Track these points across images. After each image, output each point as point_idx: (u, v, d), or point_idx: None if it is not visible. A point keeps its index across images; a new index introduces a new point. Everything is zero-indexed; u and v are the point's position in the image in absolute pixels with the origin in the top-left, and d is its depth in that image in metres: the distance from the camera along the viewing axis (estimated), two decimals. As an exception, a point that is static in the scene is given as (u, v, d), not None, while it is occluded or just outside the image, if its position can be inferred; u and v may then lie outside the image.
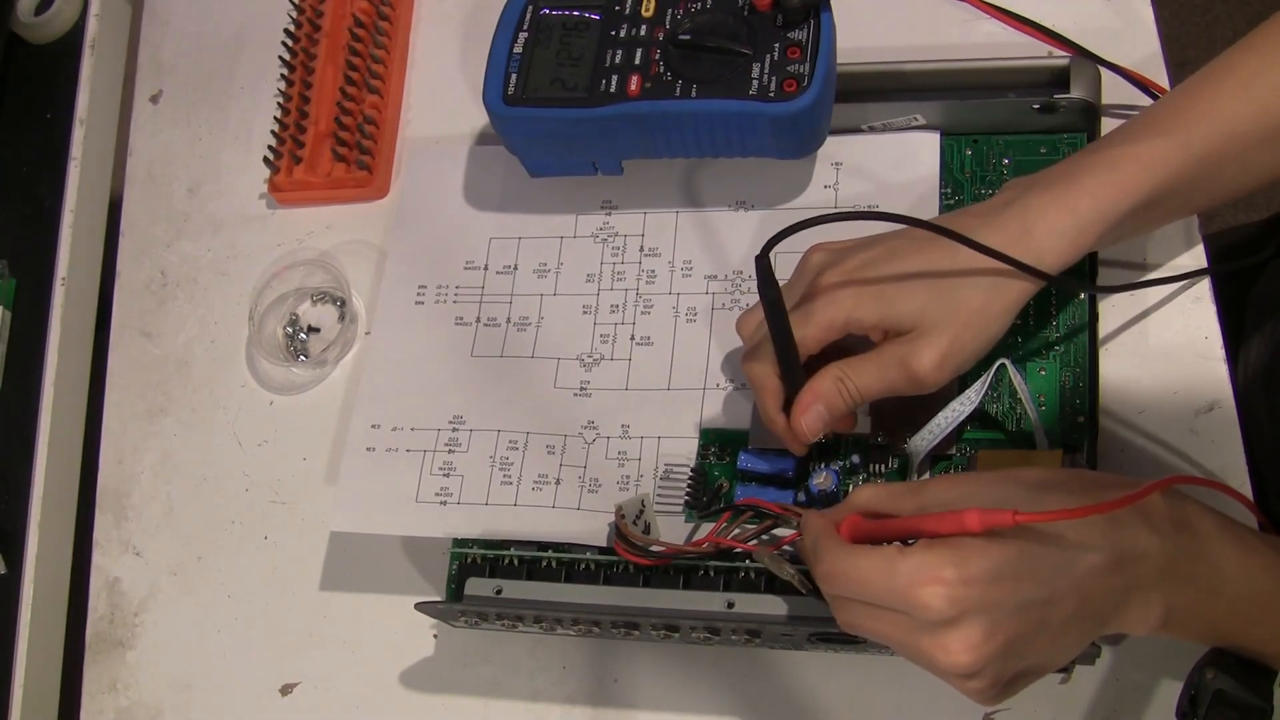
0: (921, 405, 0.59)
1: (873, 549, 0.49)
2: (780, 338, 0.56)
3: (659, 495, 0.63)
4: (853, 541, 0.50)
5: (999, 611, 0.46)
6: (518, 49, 0.67)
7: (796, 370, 0.57)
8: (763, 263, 0.53)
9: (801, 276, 0.59)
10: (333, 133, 0.78)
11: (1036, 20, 0.68)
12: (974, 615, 0.46)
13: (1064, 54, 0.67)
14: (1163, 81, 0.66)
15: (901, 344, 0.55)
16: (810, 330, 0.57)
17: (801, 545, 0.53)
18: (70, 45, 0.86)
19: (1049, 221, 0.54)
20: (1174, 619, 0.49)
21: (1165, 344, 0.63)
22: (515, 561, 0.63)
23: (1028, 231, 0.54)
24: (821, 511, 0.54)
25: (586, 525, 0.63)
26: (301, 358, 0.76)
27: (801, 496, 0.61)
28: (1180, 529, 0.49)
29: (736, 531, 0.60)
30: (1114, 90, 0.66)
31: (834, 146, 0.68)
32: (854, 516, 0.51)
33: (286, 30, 0.82)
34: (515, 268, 0.71)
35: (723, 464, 0.63)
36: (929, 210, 0.65)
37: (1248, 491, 0.59)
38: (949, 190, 0.66)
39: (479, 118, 0.75)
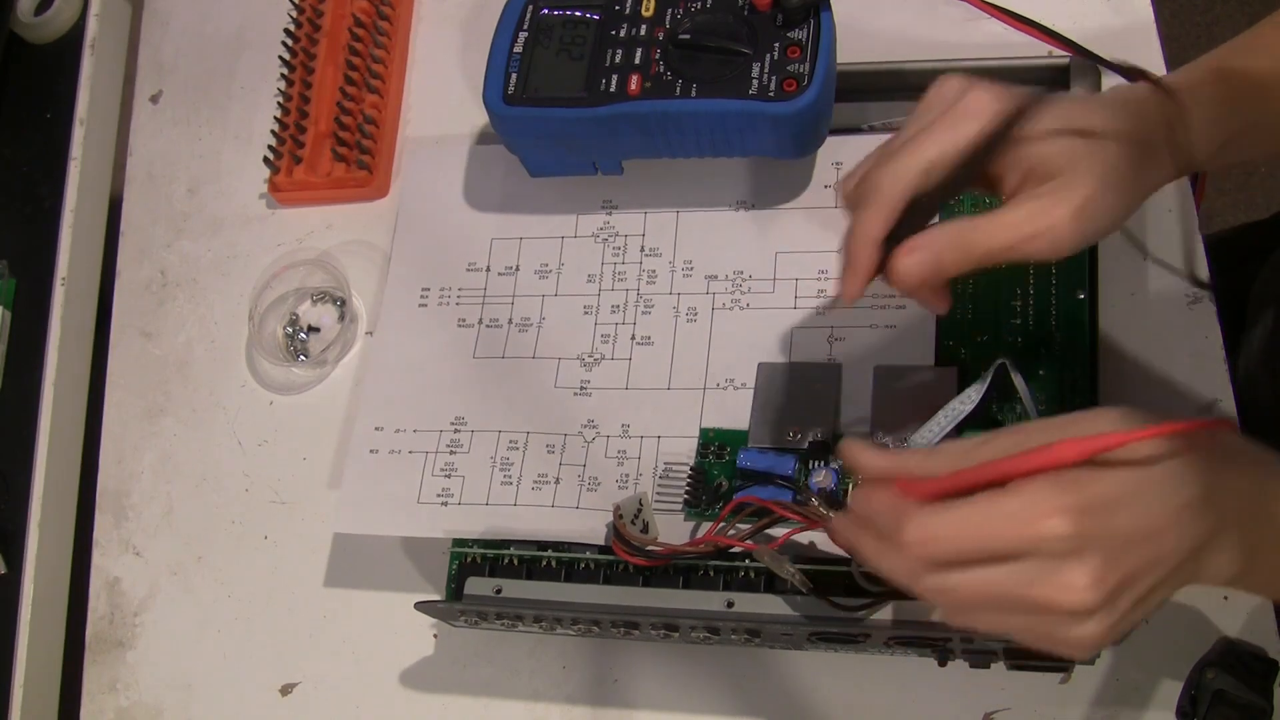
0: (921, 405, 0.59)
1: (965, 501, 0.45)
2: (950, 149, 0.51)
3: (658, 494, 0.63)
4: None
5: (1116, 540, 0.43)
6: (518, 49, 0.67)
7: (939, 195, 0.52)
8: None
9: (937, 101, 0.53)
10: (333, 133, 0.78)
11: (1036, 20, 0.68)
12: (1095, 545, 0.43)
13: (1064, 54, 0.67)
14: (1163, 81, 0.66)
15: (1037, 195, 0.51)
16: (960, 132, 0.51)
17: (866, 520, 0.48)
18: (70, 45, 0.86)
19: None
20: (1253, 562, 0.47)
21: (1165, 344, 0.63)
22: (515, 561, 0.63)
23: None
24: (870, 482, 0.49)
25: (585, 524, 0.63)
26: (301, 358, 0.76)
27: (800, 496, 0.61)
28: (1257, 465, 0.47)
29: (732, 532, 0.60)
30: (1114, 90, 0.66)
31: (834, 146, 0.68)
32: (926, 481, 0.47)
33: (286, 30, 0.82)
34: (517, 269, 0.71)
35: (722, 463, 0.63)
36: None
37: None
38: (949, 190, 0.66)
39: (479, 118, 0.75)
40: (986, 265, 0.52)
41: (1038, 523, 0.43)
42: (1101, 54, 0.65)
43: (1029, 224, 0.51)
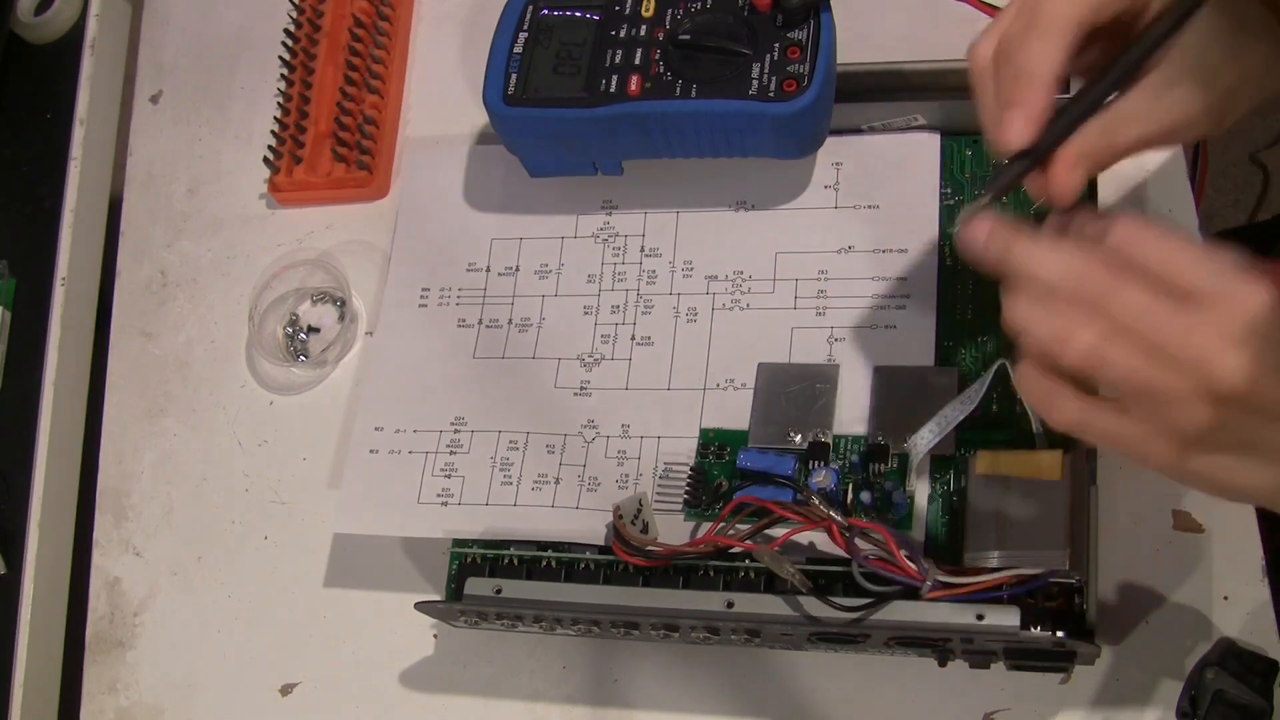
0: (921, 405, 0.59)
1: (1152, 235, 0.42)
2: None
3: (658, 494, 0.63)
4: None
5: (1251, 314, 0.40)
6: (518, 49, 0.67)
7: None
8: None
9: None
10: (333, 133, 0.78)
11: (1036, 20, 0.67)
12: (1262, 337, 0.40)
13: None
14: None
15: (1171, 82, 0.47)
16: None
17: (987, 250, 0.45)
18: (70, 45, 0.86)
19: None
20: None
21: (1165, 344, 0.63)
22: (515, 561, 0.63)
23: None
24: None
25: (585, 524, 0.63)
26: (301, 358, 0.76)
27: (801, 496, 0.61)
28: None
29: (732, 532, 0.60)
30: (1114, 90, 0.66)
31: (834, 146, 0.68)
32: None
33: (286, 30, 0.82)
34: (517, 269, 0.71)
35: (722, 463, 0.63)
36: (929, 211, 0.65)
37: None
38: (949, 190, 0.66)
39: (479, 118, 0.75)
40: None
41: (1212, 256, 0.41)
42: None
43: (1168, 115, 0.47)
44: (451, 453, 0.67)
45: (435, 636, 0.68)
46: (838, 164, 0.68)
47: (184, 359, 0.79)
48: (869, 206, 0.67)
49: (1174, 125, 0.48)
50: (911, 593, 0.56)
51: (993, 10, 0.69)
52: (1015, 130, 0.47)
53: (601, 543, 0.62)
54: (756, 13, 0.64)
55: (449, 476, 0.66)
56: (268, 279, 0.77)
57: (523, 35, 0.68)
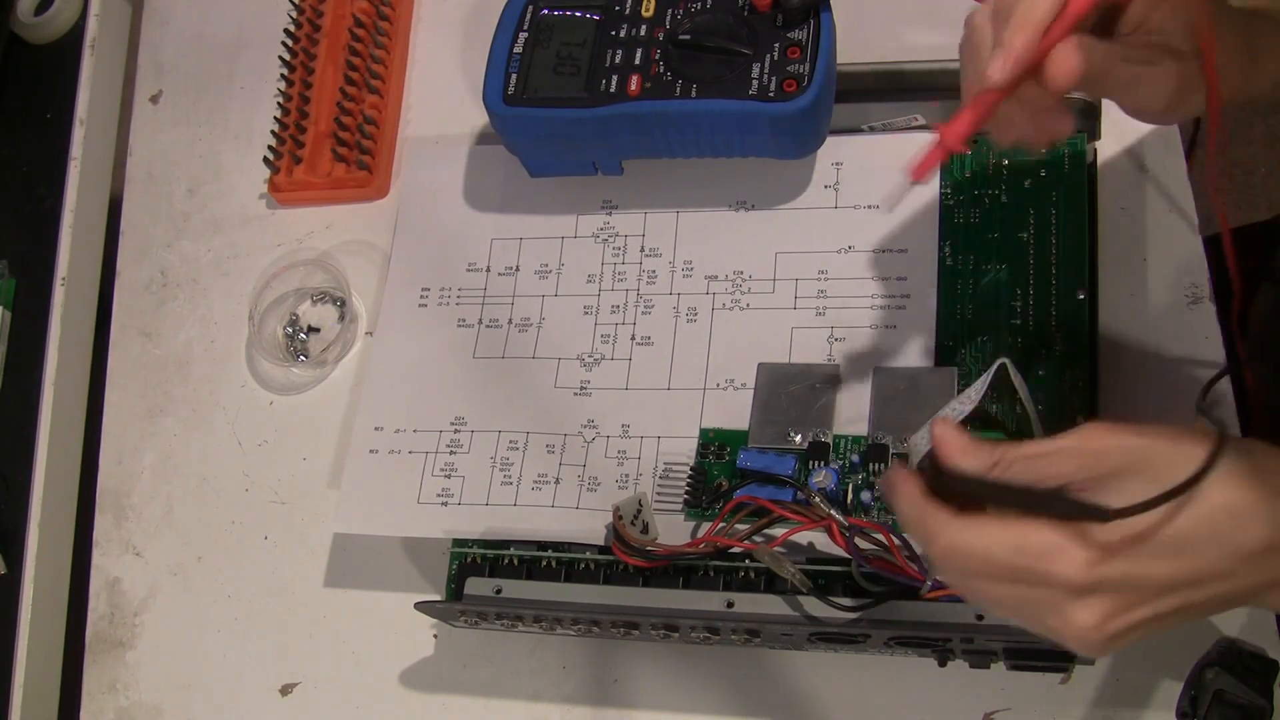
0: (921, 405, 0.59)
1: (994, 522, 0.45)
2: None
3: (658, 494, 0.63)
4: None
5: (1142, 590, 0.43)
6: (518, 49, 0.67)
7: None
8: None
9: None
10: (333, 133, 0.78)
11: (1036, 20, 0.67)
12: (1109, 590, 0.43)
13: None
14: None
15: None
16: None
17: (900, 517, 0.49)
18: (70, 45, 0.86)
19: None
20: None
21: (1165, 344, 0.63)
22: (515, 561, 0.63)
23: None
24: (908, 476, 0.49)
25: (585, 524, 0.63)
26: (301, 358, 0.76)
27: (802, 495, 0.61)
28: None
29: (732, 532, 0.60)
30: (1114, 90, 0.66)
31: (834, 146, 0.68)
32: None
33: (286, 30, 0.82)
34: (517, 269, 0.71)
35: (722, 463, 0.63)
36: (929, 211, 0.65)
37: None
38: (949, 190, 0.66)
39: (479, 118, 0.75)
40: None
41: (1053, 563, 0.43)
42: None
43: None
44: (451, 453, 0.67)
45: (435, 636, 0.68)
46: (838, 164, 0.68)
47: (184, 359, 0.79)
48: (869, 206, 0.67)
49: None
50: (911, 593, 0.56)
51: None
52: (996, 66, 0.47)
53: (601, 543, 0.62)
54: (756, 13, 0.64)
55: (449, 476, 0.66)
56: (268, 279, 0.77)
57: (523, 35, 0.68)
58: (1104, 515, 0.43)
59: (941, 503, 0.47)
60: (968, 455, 0.48)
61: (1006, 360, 0.58)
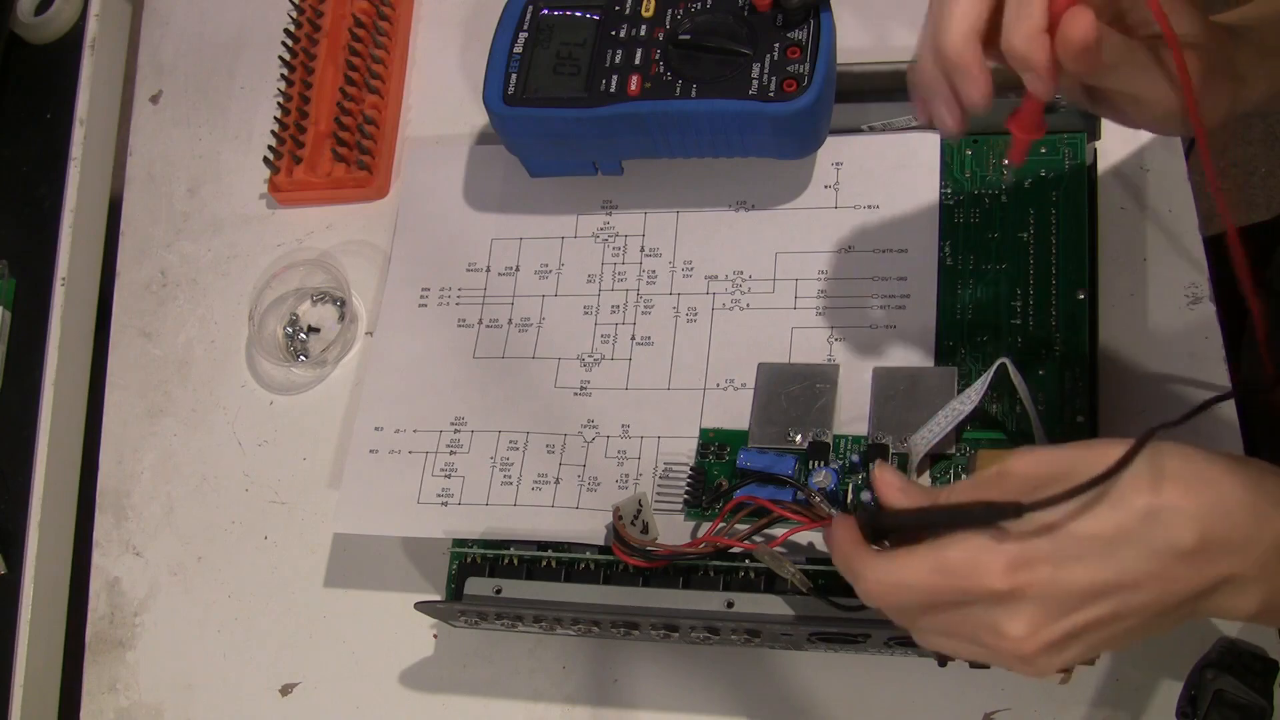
0: (921, 405, 0.59)
1: (915, 550, 0.46)
2: None
3: (658, 494, 0.63)
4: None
5: (1067, 594, 0.43)
6: (518, 49, 0.67)
7: None
8: None
9: None
10: (333, 133, 0.78)
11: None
12: (1035, 597, 0.43)
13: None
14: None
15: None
16: None
17: (835, 564, 0.50)
18: (70, 45, 0.86)
19: None
20: (1272, 608, 0.45)
21: (1165, 344, 0.63)
22: (515, 561, 0.63)
23: None
24: (844, 521, 0.50)
25: (585, 524, 0.63)
26: (301, 358, 0.76)
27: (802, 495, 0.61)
28: None
29: (732, 532, 0.60)
30: (1114, 90, 0.66)
31: (834, 146, 0.68)
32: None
33: (286, 30, 0.82)
34: (517, 269, 0.71)
35: (722, 463, 0.63)
36: (929, 211, 0.65)
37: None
38: (949, 190, 0.66)
39: (479, 118, 0.75)
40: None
41: (973, 574, 0.44)
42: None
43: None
44: (451, 453, 0.67)
45: (435, 636, 0.68)
46: (838, 164, 0.68)
47: (184, 359, 0.79)
48: (869, 206, 0.67)
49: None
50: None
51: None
52: (973, 90, 0.49)
53: (601, 543, 0.62)
54: (756, 13, 0.64)
55: (449, 476, 0.66)
56: (268, 279, 0.77)
57: (523, 35, 0.68)
58: (1017, 510, 0.43)
59: (874, 544, 0.48)
60: (904, 494, 0.48)
61: (1006, 360, 0.58)
